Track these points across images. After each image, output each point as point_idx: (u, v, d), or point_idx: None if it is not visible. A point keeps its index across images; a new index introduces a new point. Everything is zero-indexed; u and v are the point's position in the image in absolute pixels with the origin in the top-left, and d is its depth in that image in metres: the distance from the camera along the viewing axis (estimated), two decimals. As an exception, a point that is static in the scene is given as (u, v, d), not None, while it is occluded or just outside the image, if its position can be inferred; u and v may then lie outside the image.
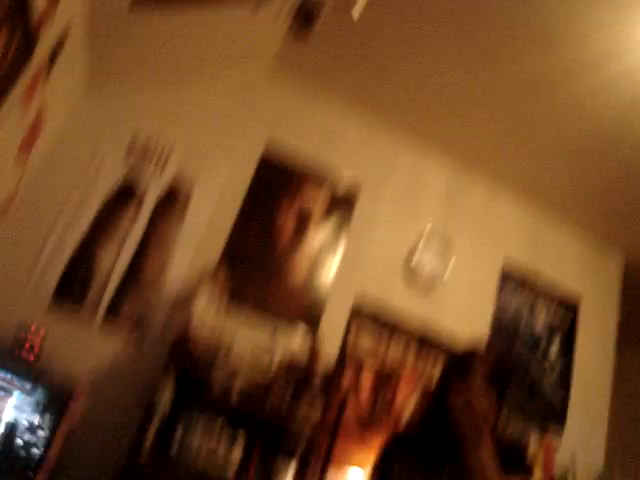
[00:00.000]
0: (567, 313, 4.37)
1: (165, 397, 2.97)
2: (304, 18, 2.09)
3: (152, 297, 3.41)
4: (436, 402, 2.23)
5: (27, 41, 2.35)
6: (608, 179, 4.13)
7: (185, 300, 3.35)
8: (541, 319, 4.27)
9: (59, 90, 3.11)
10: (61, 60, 2.85)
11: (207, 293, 3.28)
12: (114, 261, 3.38)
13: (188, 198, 3.64)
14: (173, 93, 3.81)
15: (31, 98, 2.73)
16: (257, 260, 3.71)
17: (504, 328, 4.15)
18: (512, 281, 4.29)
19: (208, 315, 3.23)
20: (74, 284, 3.29)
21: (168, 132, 3.72)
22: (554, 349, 4.24)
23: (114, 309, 3.32)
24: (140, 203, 3.53)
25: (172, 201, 3.60)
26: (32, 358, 2.82)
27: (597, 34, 3.09)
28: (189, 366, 3.04)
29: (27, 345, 2.82)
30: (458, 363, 2.54)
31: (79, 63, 3.23)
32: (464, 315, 4.06)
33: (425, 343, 3.88)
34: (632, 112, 3.48)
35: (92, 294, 3.30)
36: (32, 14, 2.25)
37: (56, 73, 2.88)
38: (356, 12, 2.03)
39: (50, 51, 2.69)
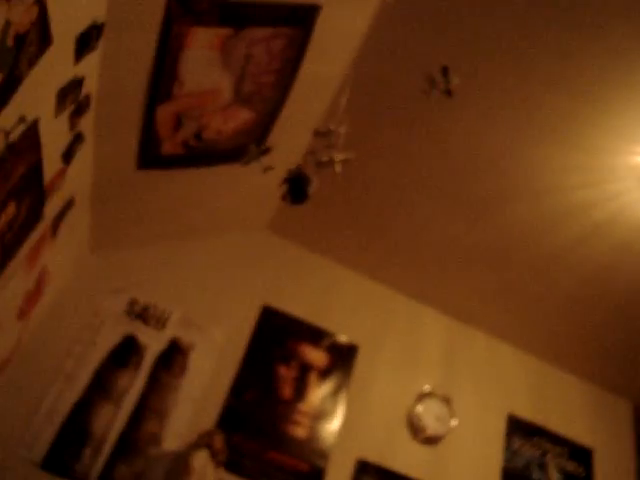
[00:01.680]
0: (581, 464, 4.20)
1: None
2: (296, 189, 2.19)
3: (148, 459, 3.29)
4: None
5: (36, 208, 2.47)
6: (604, 325, 4.14)
7: (182, 462, 3.22)
8: (553, 470, 4.10)
9: (62, 252, 3.20)
10: (65, 224, 2.97)
11: (205, 455, 3.18)
12: (110, 422, 3.29)
13: (187, 359, 3.62)
14: (171, 256, 3.90)
15: (35, 260, 2.81)
16: (256, 422, 3.62)
17: (516, 480, 3.98)
18: (519, 433, 4.17)
19: (206, 477, 3.11)
20: (67, 448, 3.17)
21: (166, 295, 3.75)
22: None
23: (108, 474, 3.18)
24: (139, 363, 3.50)
25: (171, 362, 3.58)
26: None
27: (580, 182, 3.24)
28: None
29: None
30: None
31: (82, 226, 3.35)
32: (472, 470, 3.91)
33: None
34: (621, 255, 3.56)
35: (85, 458, 3.18)
36: (43, 181, 2.39)
37: (60, 236, 2.99)
38: (338, 168, 2.16)
39: (55, 216, 2.81)
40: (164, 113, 2.81)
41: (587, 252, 3.61)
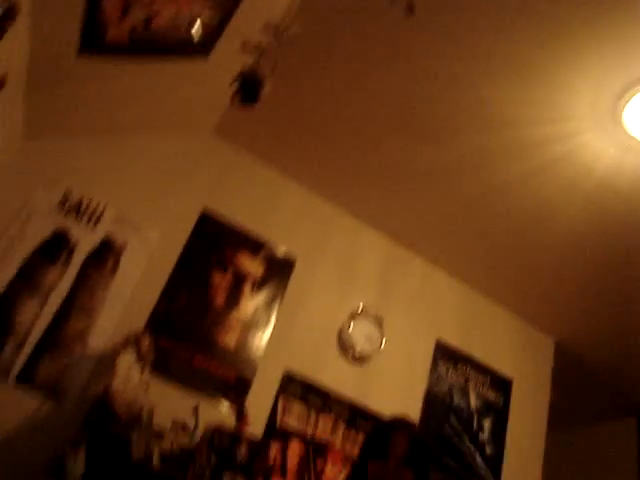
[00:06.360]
0: (499, 393, 4.36)
1: (78, 462, 2.75)
2: (247, 90, 2.09)
3: (73, 357, 3.23)
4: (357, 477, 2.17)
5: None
6: (539, 262, 4.22)
7: (108, 361, 3.18)
8: (474, 397, 4.25)
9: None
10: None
11: (131, 356, 3.14)
12: (35, 317, 3.19)
13: (119, 258, 3.52)
14: (111, 151, 3.71)
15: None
16: (186, 326, 3.57)
17: (437, 404, 4.11)
18: (445, 359, 4.28)
19: (131, 378, 3.08)
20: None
21: (102, 190, 3.58)
22: (487, 427, 4.20)
23: (31, 369, 3.11)
24: (69, 259, 3.38)
25: (102, 260, 3.47)
26: None
27: (537, 118, 3.21)
28: (108, 427, 2.82)
29: None
30: (378, 437, 2.48)
31: (15, 111, 3.14)
32: (396, 390, 4.01)
33: (355, 417, 3.79)
34: (567, 195, 3.58)
35: (7, 351, 3.09)
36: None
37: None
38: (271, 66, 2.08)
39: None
40: (111, -5, 2.61)
41: (534, 189, 3.62)
